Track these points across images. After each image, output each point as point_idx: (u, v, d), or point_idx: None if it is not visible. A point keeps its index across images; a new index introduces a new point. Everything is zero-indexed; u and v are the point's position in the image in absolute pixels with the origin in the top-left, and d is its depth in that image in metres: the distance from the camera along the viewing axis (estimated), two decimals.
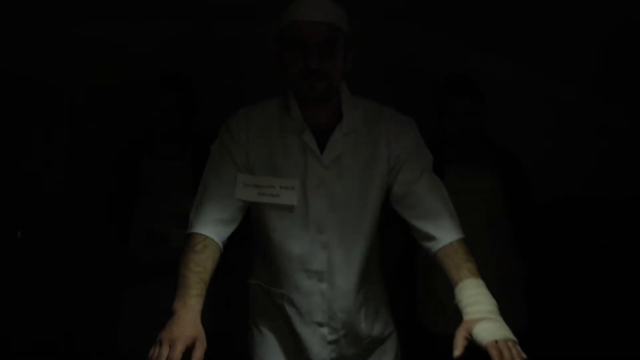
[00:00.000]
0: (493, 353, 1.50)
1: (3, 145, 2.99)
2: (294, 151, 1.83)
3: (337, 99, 1.84)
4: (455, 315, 1.68)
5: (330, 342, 1.92)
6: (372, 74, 2.83)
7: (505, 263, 2.57)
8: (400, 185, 1.85)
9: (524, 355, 1.52)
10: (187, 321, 1.61)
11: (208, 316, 1.71)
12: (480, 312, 1.62)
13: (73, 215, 3.12)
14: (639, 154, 2.95)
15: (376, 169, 1.85)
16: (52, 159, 3.18)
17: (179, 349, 1.54)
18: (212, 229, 1.78)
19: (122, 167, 2.75)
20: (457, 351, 1.56)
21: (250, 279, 2.04)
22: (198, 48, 3.14)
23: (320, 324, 1.90)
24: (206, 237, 1.76)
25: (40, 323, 2.99)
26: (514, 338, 1.56)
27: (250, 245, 2.01)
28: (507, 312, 2.21)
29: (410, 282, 2.67)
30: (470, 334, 1.59)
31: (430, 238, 1.79)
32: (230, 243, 1.85)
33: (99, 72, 3.05)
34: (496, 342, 1.52)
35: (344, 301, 1.89)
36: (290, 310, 1.90)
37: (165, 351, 1.53)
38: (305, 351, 1.92)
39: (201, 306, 1.67)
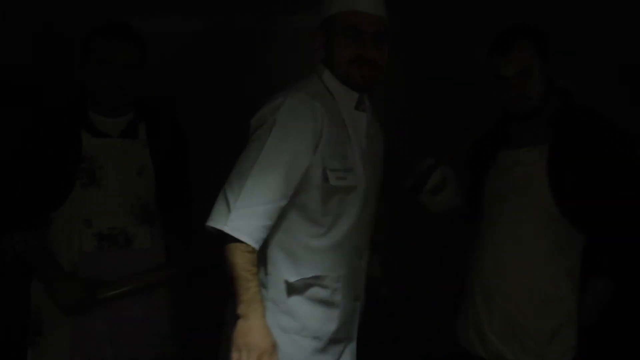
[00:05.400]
0: None
1: None
2: (345, 132, 1.85)
3: None
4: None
5: (359, 315, 1.97)
6: None
7: (562, 280, 2.05)
8: None
9: None
10: (266, 329, 1.67)
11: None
12: None
13: None
14: None
15: (381, 141, 2.02)
16: None
17: None
18: (260, 239, 1.71)
19: (58, 145, 2.07)
20: None
21: (289, 279, 1.86)
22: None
23: (357, 298, 1.94)
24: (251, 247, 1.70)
25: None
26: None
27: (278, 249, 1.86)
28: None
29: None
30: None
31: None
32: None
33: None
34: None
35: (365, 273, 1.97)
36: (339, 293, 1.87)
37: None
38: (340, 334, 1.90)
39: None
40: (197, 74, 2.93)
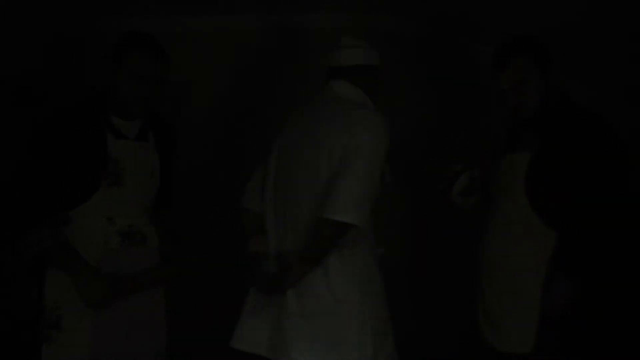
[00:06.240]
0: None
1: None
2: None
3: None
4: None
5: None
6: None
7: (530, 275, 2.15)
8: None
9: None
10: None
11: None
12: None
13: None
14: None
15: None
16: None
17: None
18: None
19: (86, 144, 2.12)
20: None
21: (377, 251, 2.20)
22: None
23: None
24: None
25: None
26: None
27: None
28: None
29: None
30: None
31: None
32: None
33: None
34: None
35: None
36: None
37: None
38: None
39: None
40: (198, 75, 2.94)
